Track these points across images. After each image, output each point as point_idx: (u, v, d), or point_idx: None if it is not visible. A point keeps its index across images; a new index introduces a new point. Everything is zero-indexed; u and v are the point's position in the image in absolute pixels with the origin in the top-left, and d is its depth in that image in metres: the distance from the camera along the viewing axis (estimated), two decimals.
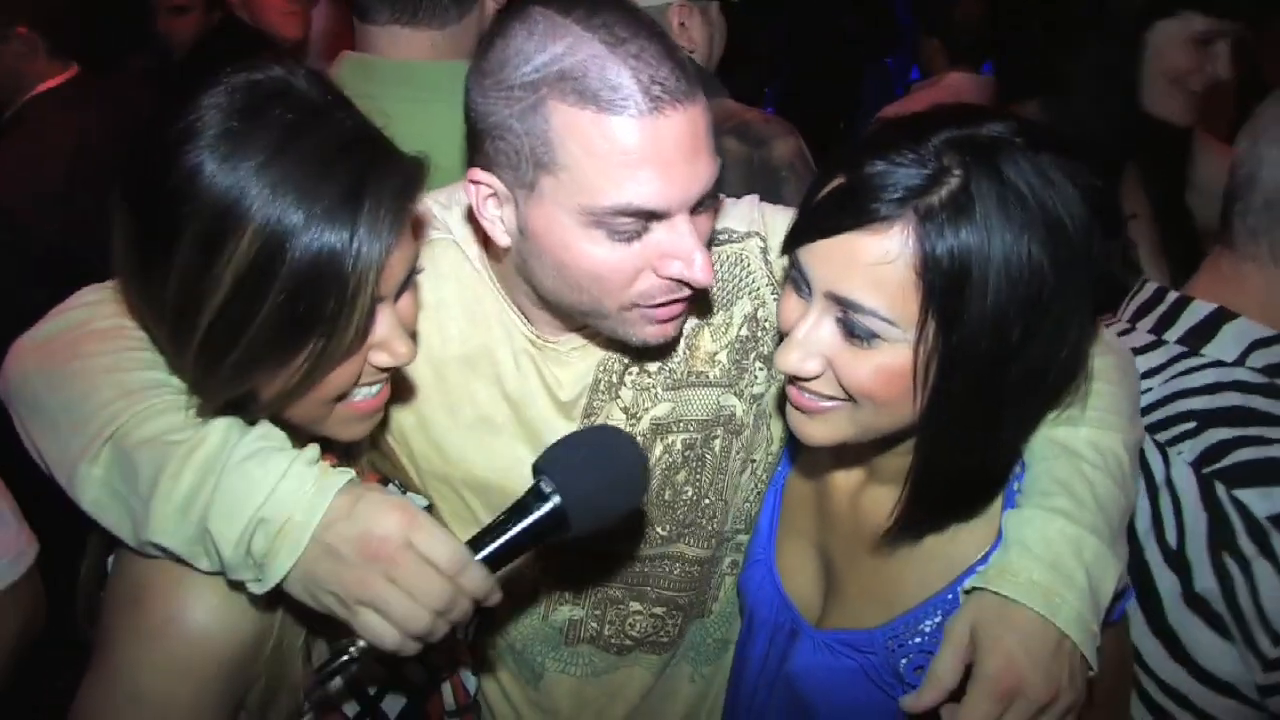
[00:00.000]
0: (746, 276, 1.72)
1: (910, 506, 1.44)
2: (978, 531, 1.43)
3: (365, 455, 1.61)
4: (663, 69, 1.38)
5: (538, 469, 1.37)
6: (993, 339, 1.27)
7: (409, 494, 1.64)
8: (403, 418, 1.70)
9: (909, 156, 1.28)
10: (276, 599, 1.27)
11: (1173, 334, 1.72)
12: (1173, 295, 1.75)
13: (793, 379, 1.43)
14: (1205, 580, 1.54)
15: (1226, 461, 1.56)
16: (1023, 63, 2.74)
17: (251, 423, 1.32)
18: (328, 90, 1.31)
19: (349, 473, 1.30)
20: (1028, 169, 1.26)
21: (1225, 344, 1.66)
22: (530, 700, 1.87)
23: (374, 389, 1.40)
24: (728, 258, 1.72)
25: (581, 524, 1.35)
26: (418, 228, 1.38)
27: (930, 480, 1.41)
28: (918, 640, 1.44)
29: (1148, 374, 1.70)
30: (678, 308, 1.53)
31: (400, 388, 1.67)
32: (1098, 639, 1.30)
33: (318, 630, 1.40)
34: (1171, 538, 1.58)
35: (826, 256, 1.33)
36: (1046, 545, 1.32)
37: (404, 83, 2.15)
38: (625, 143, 1.37)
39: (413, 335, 1.40)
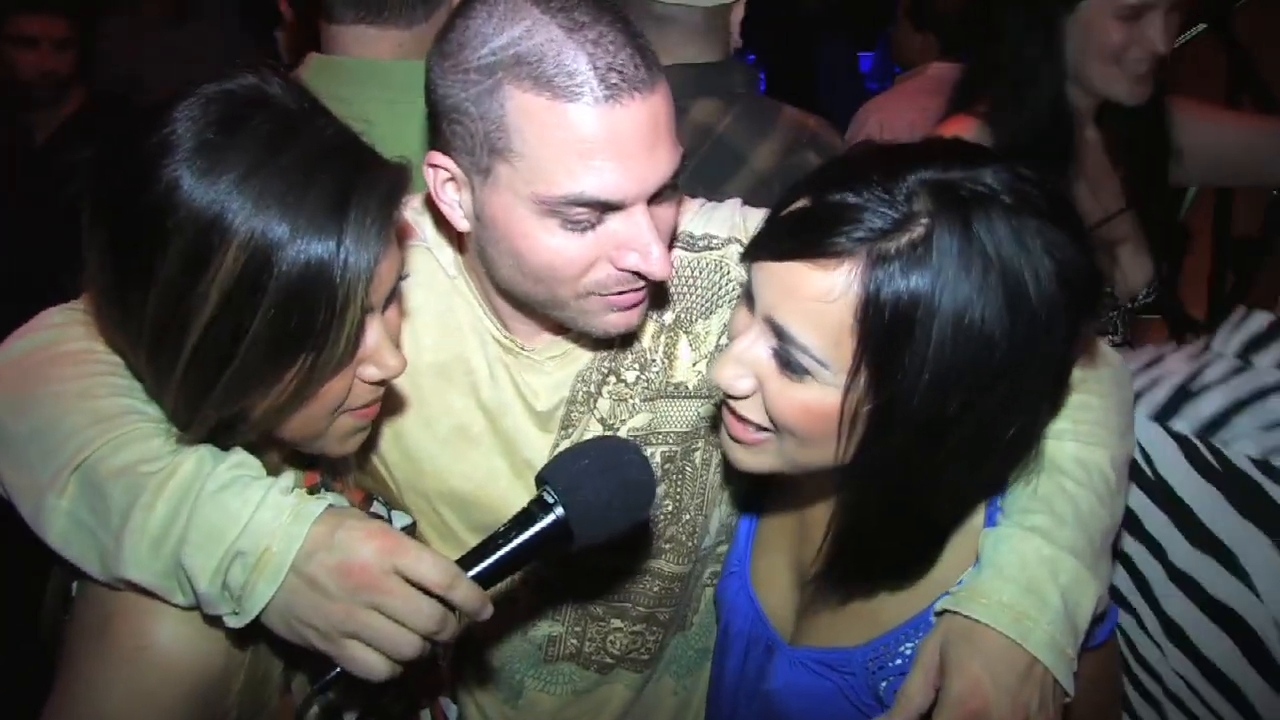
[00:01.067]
0: (727, 284, 1.68)
1: (832, 563, 1.41)
2: (960, 551, 1.40)
3: (352, 472, 1.59)
4: (621, 56, 1.35)
5: (541, 479, 1.34)
6: (928, 401, 1.22)
7: (393, 511, 1.62)
8: (378, 431, 1.67)
9: (877, 194, 1.23)
10: (252, 630, 1.24)
11: None
12: None
13: (726, 397, 1.40)
14: None
15: None
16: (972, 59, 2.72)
17: (227, 448, 1.28)
18: (304, 98, 1.28)
19: (326, 500, 1.27)
20: (1002, 230, 1.20)
21: None
22: (509, 719, 1.84)
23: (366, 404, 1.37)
24: (708, 265, 1.68)
25: (585, 536, 1.32)
26: (403, 235, 1.36)
27: (852, 539, 1.38)
28: (898, 663, 1.41)
29: None
30: (637, 295, 1.50)
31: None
32: (1074, 663, 1.27)
33: (296, 660, 1.36)
34: None
35: (772, 280, 1.30)
36: (1021, 566, 1.29)
37: (371, 83, 2.11)
38: (580, 131, 1.34)
39: (398, 346, 1.37)
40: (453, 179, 1.47)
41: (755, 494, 1.76)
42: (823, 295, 1.24)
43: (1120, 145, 2.63)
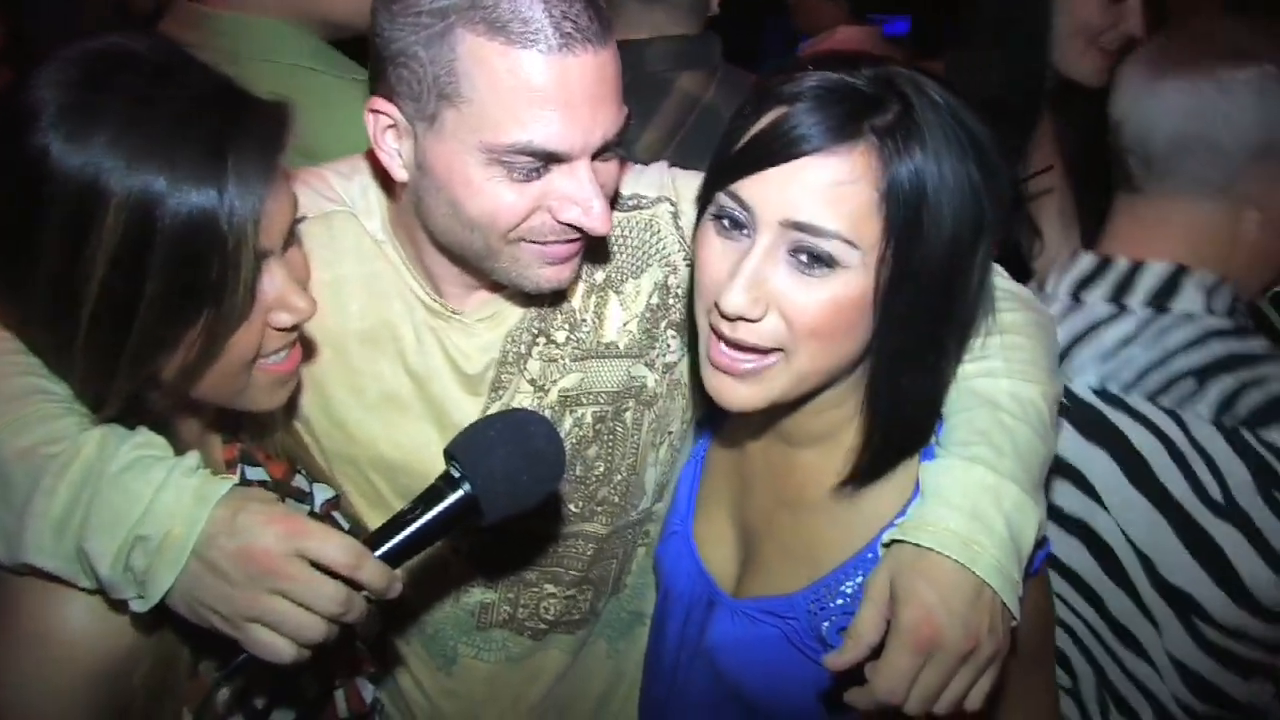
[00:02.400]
0: (657, 243, 1.68)
1: (873, 444, 1.43)
2: (896, 485, 1.43)
3: (275, 434, 1.56)
4: (576, 6, 1.36)
5: (448, 454, 1.32)
6: (948, 258, 1.31)
7: (315, 484, 1.59)
8: (306, 399, 1.64)
9: (846, 83, 1.30)
10: (160, 613, 1.21)
11: (1135, 299, 1.73)
12: (1124, 262, 1.76)
13: (725, 326, 1.36)
14: (1269, 524, 1.59)
15: (1241, 409, 1.61)
16: (930, 16, 2.75)
17: (142, 421, 1.25)
18: (173, 51, 1.25)
19: (231, 480, 1.24)
20: (947, 99, 1.31)
21: (1190, 297, 1.70)
22: (444, 688, 1.82)
23: (283, 354, 1.35)
24: (638, 224, 1.68)
25: (495, 510, 1.31)
26: (290, 175, 1.34)
27: (892, 412, 1.41)
28: (840, 602, 1.43)
29: (1124, 343, 1.72)
30: (571, 248, 1.50)
31: (302, 368, 1.59)
32: (1019, 587, 1.30)
33: (205, 645, 1.33)
34: (1216, 494, 1.62)
35: (780, 184, 1.31)
36: (964, 494, 1.31)
37: (221, 36, 2.00)
38: (531, 79, 1.34)
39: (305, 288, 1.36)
40: (394, 126, 1.45)
41: (697, 453, 1.77)
42: (844, 178, 1.28)
43: (1068, 135, 2.66)
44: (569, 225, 1.44)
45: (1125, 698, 1.76)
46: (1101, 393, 1.72)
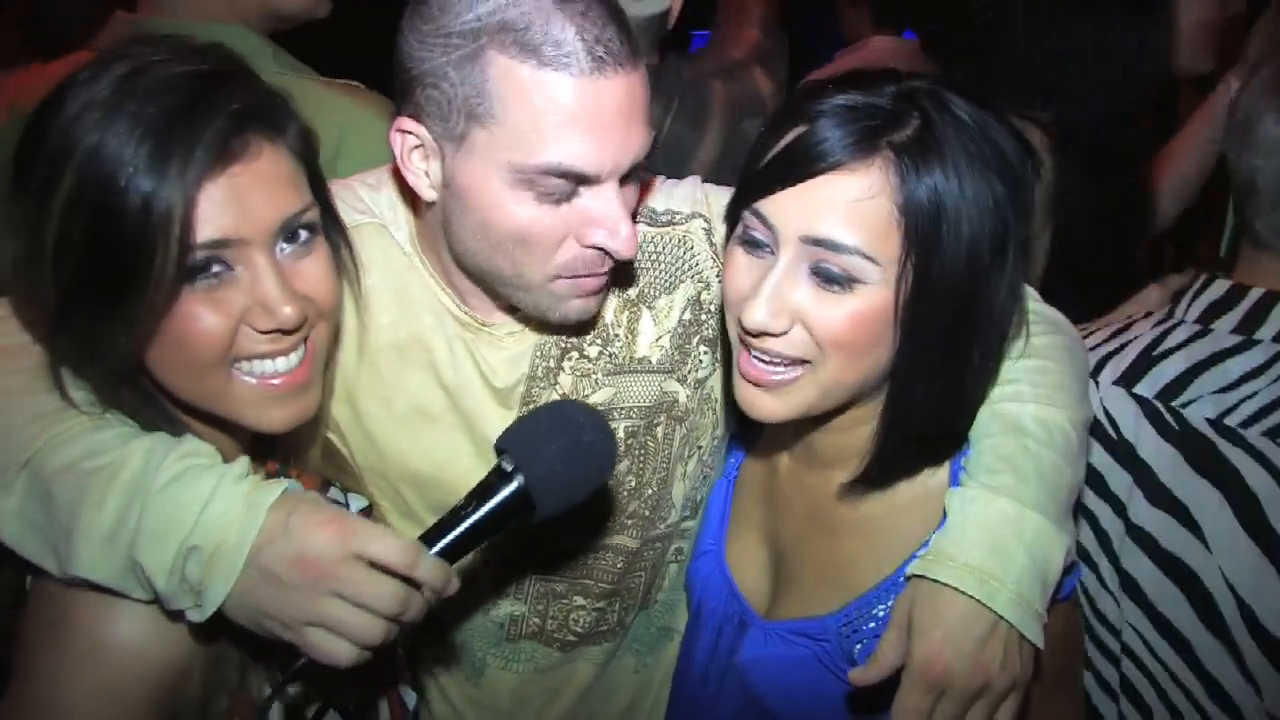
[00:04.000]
0: (690, 259, 1.69)
1: (885, 451, 1.44)
2: (926, 508, 1.43)
3: (309, 454, 1.55)
4: (608, 30, 1.37)
5: (499, 448, 1.33)
6: (968, 273, 1.31)
7: (350, 495, 1.59)
8: (338, 412, 1.64)
9: (867, 101, 1.32)
10: (212, 621, 1.21)
11: (1266, 331, 1.65)
12: (1257, 292, 1.68)
13: (752, 339, 1.39)
14: None
15: None
16: (1014, 64, 2.42)
17: (176, 435, 1.26)
18: (182, 50, 1.28)
19: (282, 484, 1.24)
20: (973, 113, 1.31)
21: None
22: (470, 698, 1.83)
23: (278, 362, 1.31)
24: (671, 240, 1.68)
25: (547, 503, 1.31)
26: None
27: (906, 422, 1.42)
28: (871, 625, 1.43)
29: (1248, 376, 1.64)
30: (602, 280, 1.51)
31: (333, 381, 1.60)
32: (1043, 617, 1.30)
33: (256, 648, 1.33)
34: None
35: (800, 201, 1.33)
36: (985, 526, 1.31)
37: None
38: (563, 101, 1.34)
39: (328, 306, 1.36)
40: (421, 146, 1.45)
41: (729, 471, 1.77)
42: (861, 194, 1.30)
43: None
44: (596, 249, 1.44)
45: None
46: (1218, 425, 1.63)
